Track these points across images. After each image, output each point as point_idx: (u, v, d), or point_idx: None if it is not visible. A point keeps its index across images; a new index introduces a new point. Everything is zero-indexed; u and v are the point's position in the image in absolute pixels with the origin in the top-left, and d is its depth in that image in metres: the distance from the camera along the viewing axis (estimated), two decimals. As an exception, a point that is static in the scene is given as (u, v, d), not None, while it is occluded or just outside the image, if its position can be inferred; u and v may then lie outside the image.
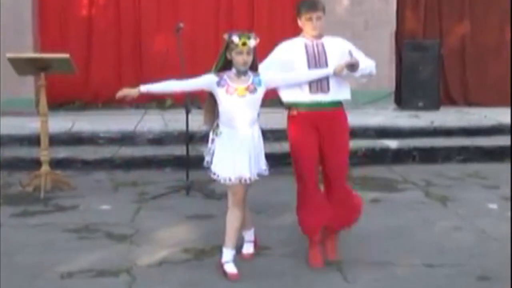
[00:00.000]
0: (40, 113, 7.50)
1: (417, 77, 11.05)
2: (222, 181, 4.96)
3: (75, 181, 7.76)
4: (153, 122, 9.43)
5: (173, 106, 10.81)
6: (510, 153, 8.89)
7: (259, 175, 5.00)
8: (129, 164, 8.52)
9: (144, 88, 5.11)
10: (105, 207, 6.88)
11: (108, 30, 11.36)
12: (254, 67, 4.98)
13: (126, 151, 8.70)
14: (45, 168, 7.43)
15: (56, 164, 7.93)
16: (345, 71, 5.06)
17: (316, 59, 5.09)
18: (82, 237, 5.92)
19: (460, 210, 6.77)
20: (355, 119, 9.90)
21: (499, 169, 8.46)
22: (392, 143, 9.19)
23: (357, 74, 5.13)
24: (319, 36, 5.15)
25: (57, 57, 7.44)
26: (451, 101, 11.76)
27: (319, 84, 5.08)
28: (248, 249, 5.41)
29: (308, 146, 5.11)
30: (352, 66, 5.02)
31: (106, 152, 8.67)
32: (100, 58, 11.29)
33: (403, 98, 11.24)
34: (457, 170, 8.57)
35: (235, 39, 4.86)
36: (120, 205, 6.93)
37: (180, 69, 6.92)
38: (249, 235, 5.43)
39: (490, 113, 10.54)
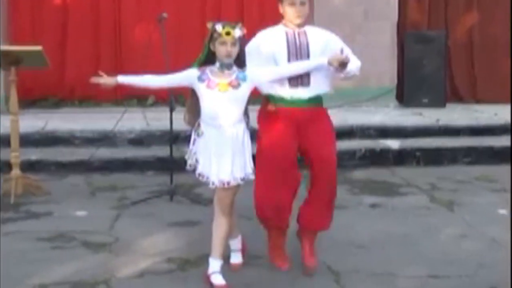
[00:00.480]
0: (10, 111, 7.49)
1: (421, 72, 11.09)
2: (210, 184, 4.97)
3: (49, 185, 7.74)
4: (134, 120, 9.43)
5: (156, 103, 10.82)
6: (510, 153, 8.93)
7: (244, 179, 4.97)
8: (108, 166, 8.52)
9: (122, 79, 5.12)
10: (81, 213, 6.87)
11: (85, 20, 11.34)
12: (241, 62, 4.97)
13: (105, 153, 8.69)
14: (15, 171, 7.41)
15: (28, 167, 7.92)
16: (333, 67, 5.05)
17: (297, 49, 5.11)
18: (56, 246, 5.91)
19: (467, 216, 6.79)
20: (354, 117, 10.04)
21: (510, 171, 8.47)
22: (394, 144, 9.22)
23: (343, 74, 5.14)
24: (302, 24, 5.17)
25: (28, 49, 7.42)
26: (458, 98, 11.80)
27: (299, 77, 5.10)
28: (236, 258, 5.42)
29: (285, 145, 5.11)
30: (344, 65, 5.01)
31: (82, 153, 8.66)
32: (76, 50, 11.27)
33: (405, 94, 11.28)
34: (464, 173, 8.60)
35: (219, 28, 4.86)
36: (98, 211, 6.92)
37: (163, 63, 6.93)
38: (235, 243, 5.42)
39: (500, 110, 10.57)
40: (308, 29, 5.23)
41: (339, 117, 9.76)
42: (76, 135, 9.08)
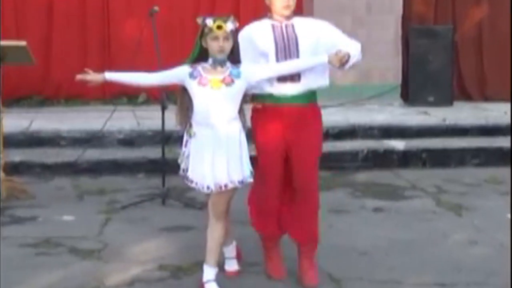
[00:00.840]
0: (-8, 110, 7.49)
1: (427, 68, 11.09)
2: (201, 189, 4.96)
3: (34, 188, 7.74)
4: (123, 120, 9.42)
5: (147, 102, 10.83)
6: (510, 154, 8.95)
7: (243, 182, 4.96)
8: (96, 168, 8.52)
9: (110, 75, 5.14)
10: (68, 218, 6.87)
11: (72, 13, 11.34)
12: (235, 57, 4.94)
13: (93, 154, 8.69)
14: (-2, 173, 7.42)
15: (12, 169, 7.90)
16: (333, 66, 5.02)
17: (286, 45, 5.08)
18: (42, 252, 5.91)
19: (476, 221, 6.81)
20: (356, 116, 10.04)
21: (510, 172, 8.50)
22: (398, 144, 9.23)
23: (346, 67, 5.08)
24: (290, 16, 5.15)
25: (12, 45, 7.41)
26: (466, 96, 11.82)
27: None
28: (231, 266, 5.42)
29: (274, 147, 5.11)
30: (345, 63, 4.97)
31: (69, 154, 8.66)
32: (62, 46, 11.27)
33: (411, 92, 11.29)
34: (472, 175, 8.62)
35: (209, 22, 4.85)
36: (86, 215, 6.92)
37: (155, 60, 6.93)
38: (229, 251, 5.42)
39: (510, 109, 10.58)
40: (296, 21, 5.17)
41: (340, 116, 9.83)
42: (62, 136, 9.07)
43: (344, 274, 5.41)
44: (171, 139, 7.99)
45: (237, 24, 4.91)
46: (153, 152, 8.43)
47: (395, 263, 5.69)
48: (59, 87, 11.16)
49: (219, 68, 4.91)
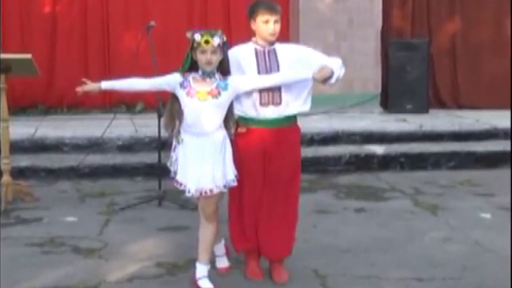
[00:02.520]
0: (0, 118, 7.46)
1: (404, 79, 11.11)
2: (186, 192, 4.94)
3: (39, 191, 7.73)
4: (122, 127, 9.40)
5: (145, 110, 10.81)
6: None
7: (226, 186, 4.93)
8: (97, 172, 8.51)
9: (106, 84, 5.12)
10: (71, 219, 6.85)
11: (74, 28, 11.34)
12: (224, 69, 4.92)
13: (94, 159, 8.67)
14: (6, 177, 7.38)
15: (18, 173, 7.90)
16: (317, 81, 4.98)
17: (267, 68, 5.05)
18: (46, 251, 5.89)
19: (451, 220, 6.82)
20: (339, 123, 10.06)
21: (493, 176, 8.54)
22: (379, 149, 9.25)
23: (331, 81, 5.01)
24: (273, 42, 5.11)
25: (18, 57, 7.39)
26: (441, 104, 11.85)
27: (270, 95, 5.02)
28: (222, 263, 5.41)
29: (255, 168, 5.05)
30: (328, 79, 4.92)
31: (71, 160, 8.64)
32: (65, 58, 11.27)
33: (390, 101, 11.31)
34: (447, 178, 8.64)
35: (197, 37, 4.83)
36: (87, 217, 6.91)
37: (151, 71, 6.92)
38: (219, 249, 5.41)
39: (483, 116, 10.63)
40: (278, 46, 5.14)
41: (324, 123, 9.84)
42: (65, 142, 9.05)
43: (329, 270, 5.40)
44: (167, 145, 7.91)
45: (225, 38, 4.89)
46: (150, 157, 8.42)
47: (376, 259, 5.69)
48: (62, 97, 11.13)
49: (208, 80, 4.89)
